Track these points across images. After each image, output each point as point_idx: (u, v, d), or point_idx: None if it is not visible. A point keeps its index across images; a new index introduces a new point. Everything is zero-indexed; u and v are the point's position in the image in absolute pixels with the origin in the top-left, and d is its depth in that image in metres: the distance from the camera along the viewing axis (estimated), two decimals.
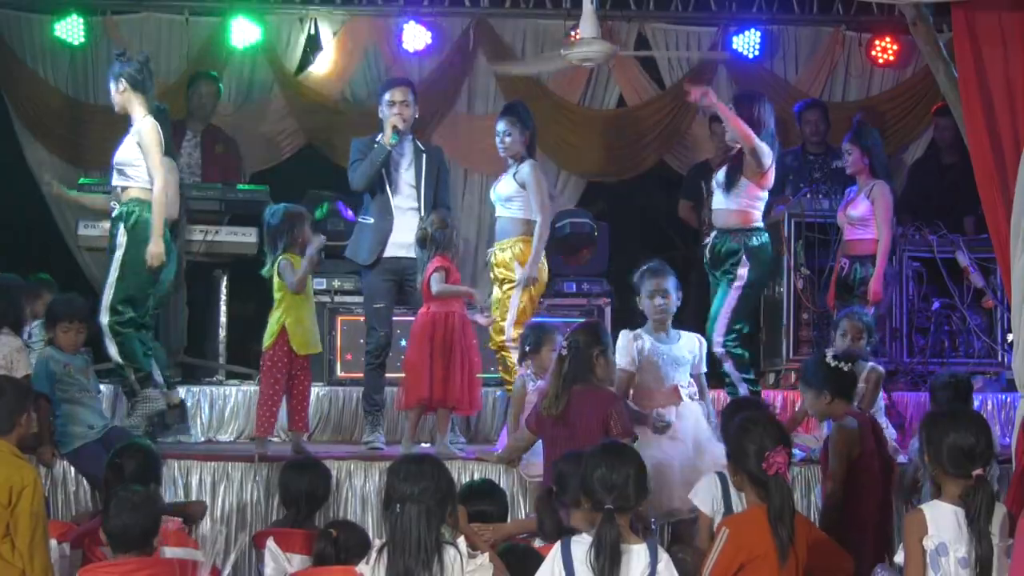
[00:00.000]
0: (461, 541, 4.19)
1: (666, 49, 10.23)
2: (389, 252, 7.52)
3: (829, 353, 5.87)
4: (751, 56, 10.17)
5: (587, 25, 8.08)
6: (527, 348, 6.65)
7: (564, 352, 5.84)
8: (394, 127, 7.42)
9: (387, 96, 7.56)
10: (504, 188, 7.52)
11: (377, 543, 4.19)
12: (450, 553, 4.11)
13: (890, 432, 6.92)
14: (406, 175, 7.58)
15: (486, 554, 4.23)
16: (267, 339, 6.79)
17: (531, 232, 7.35)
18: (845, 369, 5.73)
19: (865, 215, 7.96)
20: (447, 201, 7.79)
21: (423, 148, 7.71)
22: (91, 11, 9.73)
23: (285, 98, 10.02)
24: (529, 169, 7.40)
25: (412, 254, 7.41)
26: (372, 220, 7.56)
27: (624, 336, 6.46)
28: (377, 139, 7.55)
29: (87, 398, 6.57)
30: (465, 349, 6.89)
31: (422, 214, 7.49)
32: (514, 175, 7.45)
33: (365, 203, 7.66)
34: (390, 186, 7.53)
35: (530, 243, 7.32)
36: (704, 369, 6.58)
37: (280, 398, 6.81)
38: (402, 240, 7.47)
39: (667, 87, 10.32)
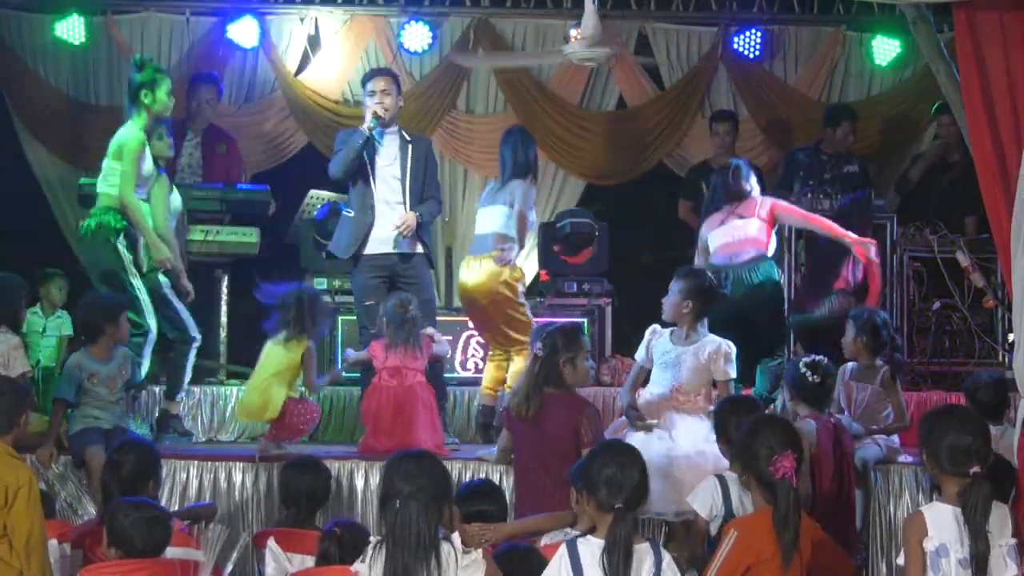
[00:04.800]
0: (455, 537, 4.19)
1: (666, 50, 10.24)
2: (371, 248, 7.39)
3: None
4: (751, 56, 10.18)
5: (589, 25, 8.08)
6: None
7: (539, 353, 5.77)
8: (374, 114, 7.36)
9: (368, 86, 7.54)
10: None
11: (373, 540, 4.18)
12: (445, 549, 4.10)
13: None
14: (390, 168, 7.47)
15: (479, 550, 4.23)
16: (271, 412, 6.75)
17: None
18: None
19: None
20: (436, 194, 7.71)
21: (409, 139, 7.59)
22: (91, 11, 9.74)
23: (285, 98, 10.02)
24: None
25: (402, 248, 7.36)
26: (353, 214, 7.48)
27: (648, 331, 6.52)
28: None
29: (101, 407, 6.57)
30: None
31: (407, 208, 7.40)
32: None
33: (349, 197, 7.58)
34: (373, 179, 7.43)
35: None
36: (725, 378, 6.26)
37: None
38: (386, 235, 7.35)
39: (667, 88, 10.31)
